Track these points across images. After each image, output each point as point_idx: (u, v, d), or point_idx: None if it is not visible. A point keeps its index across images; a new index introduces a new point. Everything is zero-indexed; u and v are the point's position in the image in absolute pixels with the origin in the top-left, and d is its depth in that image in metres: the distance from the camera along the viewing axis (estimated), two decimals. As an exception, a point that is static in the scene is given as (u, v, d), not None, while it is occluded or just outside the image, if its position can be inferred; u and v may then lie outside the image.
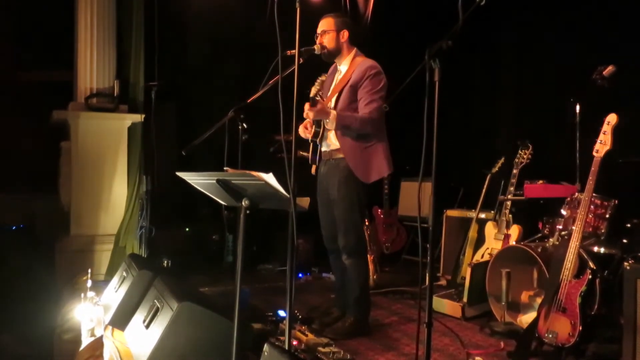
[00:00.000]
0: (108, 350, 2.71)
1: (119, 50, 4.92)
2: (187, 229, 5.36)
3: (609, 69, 3.52)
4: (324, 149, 3.44)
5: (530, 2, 5.02)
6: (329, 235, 3.50)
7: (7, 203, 4.95)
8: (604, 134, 2.86)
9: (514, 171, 3.94)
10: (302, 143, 3.38)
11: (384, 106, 3.16)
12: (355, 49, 3.43)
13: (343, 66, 3.44)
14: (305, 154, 3.41)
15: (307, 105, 3.21)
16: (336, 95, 3.37)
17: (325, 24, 3.37)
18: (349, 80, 3.33)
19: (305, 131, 3.37)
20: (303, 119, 3.35)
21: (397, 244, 5.64)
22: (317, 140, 3.40)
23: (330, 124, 3.24)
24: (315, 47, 3.30)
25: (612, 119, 2.86)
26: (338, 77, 3.46)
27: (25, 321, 3.62)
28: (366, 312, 3.46)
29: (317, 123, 3.33)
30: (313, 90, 3.30)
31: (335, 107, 3.33)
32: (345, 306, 3.48)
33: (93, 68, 4.77)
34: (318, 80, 3.41)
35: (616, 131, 2.84)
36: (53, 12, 5.47)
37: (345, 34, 3.37)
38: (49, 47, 5.60)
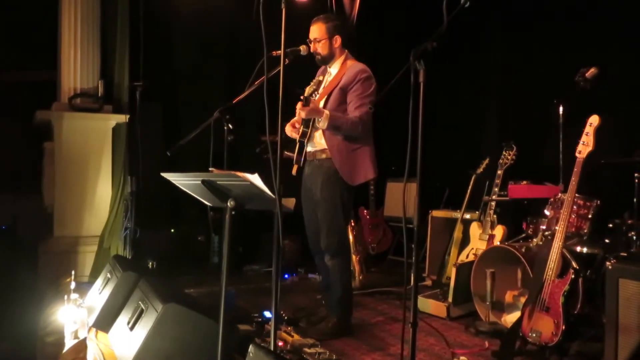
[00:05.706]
0: (92, 353, 2.69)
1: (103, 50, 4.87)
2: (172, 230, 5.32)
3: (591, 71, 3.55)
4: (309, 149, 3.41)
5: (514, 4, 5.06)
6: (313, 237, 3.49)
7: (-11, 204, 4.89)
8: (587, 135, 2.89)
9: (499, 172, 3.97)
10: (288, 143, 3.37)
11: (369, 107, 3.16)
12: (346, 51, 3.43)
13: (333, 68, 3.43)
14: (290, 154, 3.39)
15: (299, 105, 3.20)
16: (325, 96, 3.35)
17: (317, 32, 3.34)
18: (338, 83, 3.32)
19: (292, 130, 3.35)
20: (289, 120, 3.34)
21: (383, 245, 5.65)
22: (305, 140, 3.38)
23: (322, 122, 3.21)
24: (301, 47, 3.28)
25: (594, 120, 2.89)
26: (328, 78, 3.44)
27: (8, 323, 3.57)
28: (348, 313, 3.46)
29: (306, 123, 3.30)
30: (308, 90, 3.27)
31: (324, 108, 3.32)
32: (329, 307, 3.48)
33: (77, 68, 4.72)
34: (314, 80, 3.38)
35: (598, 132, 2.87)
36: (36, 11, 5.40)
37: (338, 40, 3.36)
38: (32, 46, 5.53)
